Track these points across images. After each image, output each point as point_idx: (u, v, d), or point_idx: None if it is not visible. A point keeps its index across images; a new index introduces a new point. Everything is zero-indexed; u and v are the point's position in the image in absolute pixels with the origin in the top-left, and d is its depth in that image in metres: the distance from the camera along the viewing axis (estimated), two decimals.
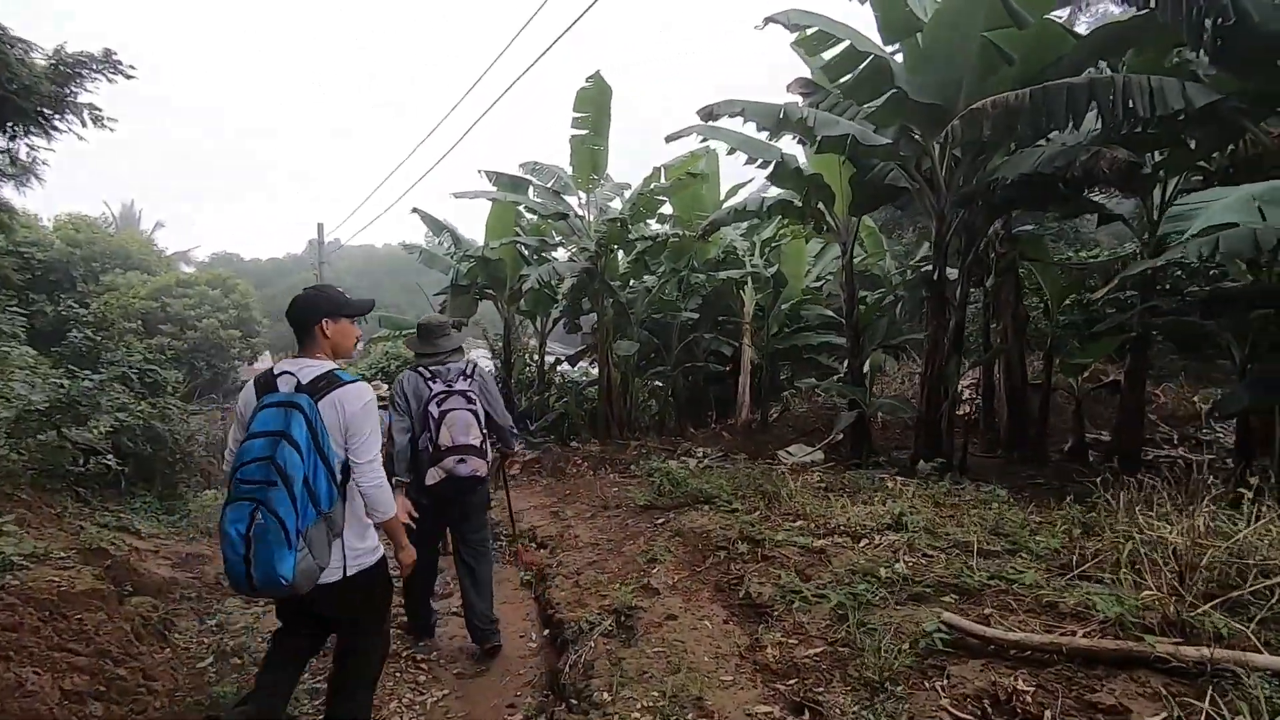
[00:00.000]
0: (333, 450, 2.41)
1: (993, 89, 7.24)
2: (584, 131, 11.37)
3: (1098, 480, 4.19)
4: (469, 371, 4.15)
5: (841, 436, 11.06)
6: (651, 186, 11.77)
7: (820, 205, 10.17)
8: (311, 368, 2.50)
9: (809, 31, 6.93)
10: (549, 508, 7.32)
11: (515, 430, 4.76)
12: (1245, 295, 5.54)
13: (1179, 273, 11.12)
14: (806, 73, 9.47)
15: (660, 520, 5.89)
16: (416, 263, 16.02)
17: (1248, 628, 2.52)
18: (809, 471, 8.07)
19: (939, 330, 8.47)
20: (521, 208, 13.08)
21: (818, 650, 3.12)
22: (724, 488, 6.36)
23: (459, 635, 4.50)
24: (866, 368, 9.94)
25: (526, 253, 13.61)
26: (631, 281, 13.86)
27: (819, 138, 7.84)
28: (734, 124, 8.40)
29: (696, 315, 13.48)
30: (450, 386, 4.01)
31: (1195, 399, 13.89)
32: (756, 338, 13.41)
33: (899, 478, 7.01)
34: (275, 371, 2.50)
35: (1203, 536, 3.09)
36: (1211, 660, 2.32)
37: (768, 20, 6.73)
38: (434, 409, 3.96)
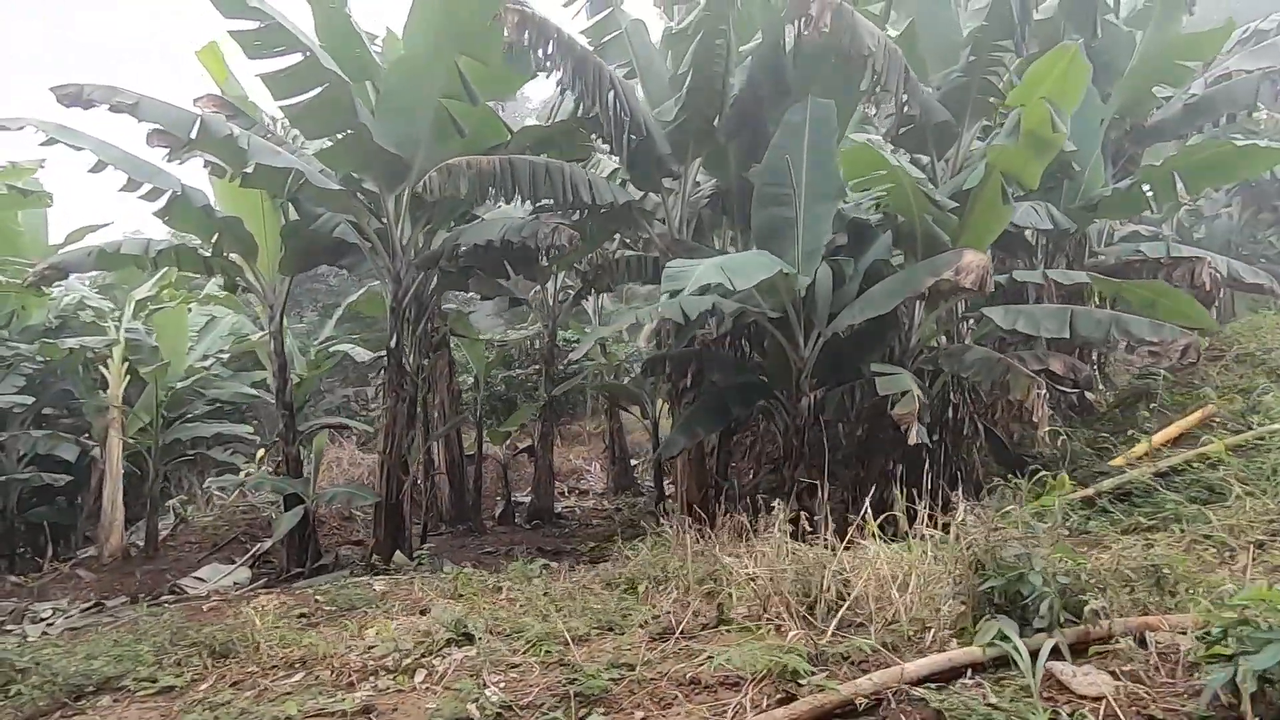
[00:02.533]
0: None
1: (447, 155, 7.21)
2: None
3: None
4: None
5: (271, 544, 8.92)
6: None
7: (236, 258, 8.22)
8: None
9: (254, 27, 5.44)
10: None
11: None
12: (670, 358, 6.81)
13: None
14: (213, 88, 7.63)
15: None
16: None
17: (870, 640, 2.66)
18: (253, 596, 6.00)
19: (398, 403, 7.73)
20: None
21: None
22: (137, 655, 3.99)
23: None
24: (310, 454, 8.31)
25: None
26: None
27: (250, 167, 6.26)
28: (110, 125, 5.96)
29: (29, 401, 9.09)
30: None
31: (571, 456, 17.02)
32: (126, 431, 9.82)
33: (386, 577, 5.85)
34: None
35: (774, 565, 3.29)
36: (901, 685, 2.29)
37: None
38: None
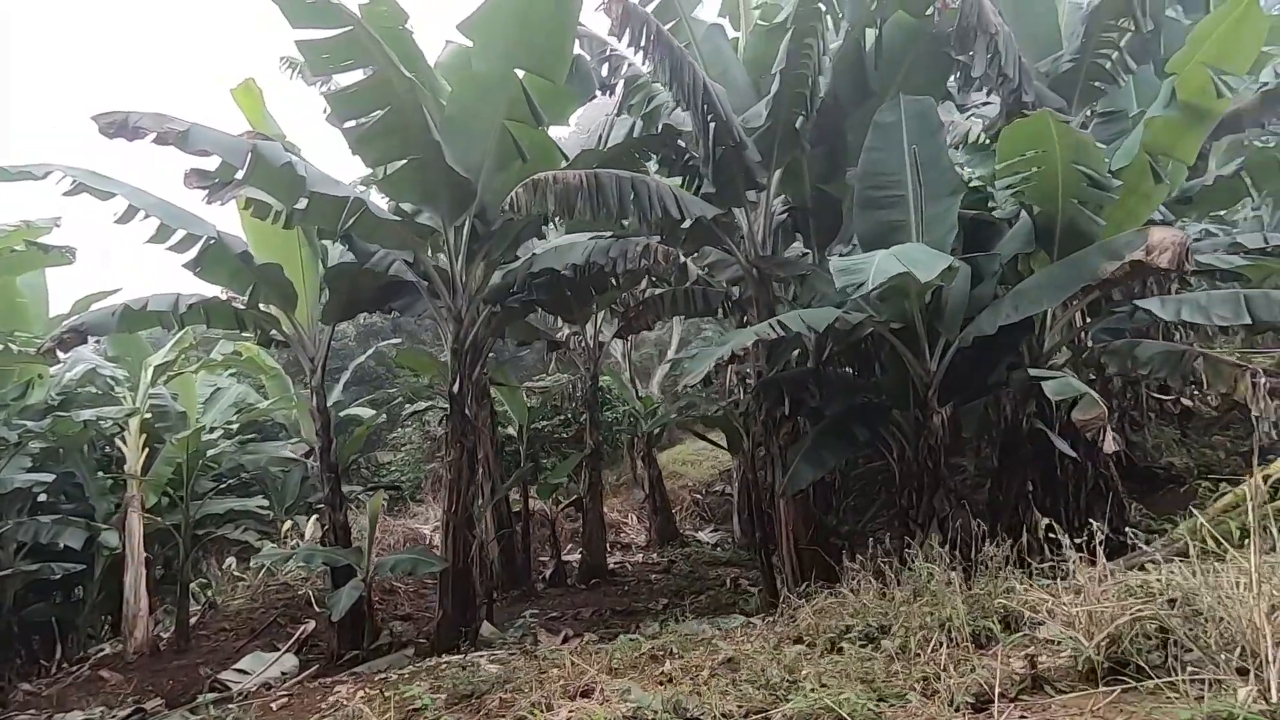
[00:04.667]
0: None
1: (507, 181, 6.70)
2: None
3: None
4: None
5: (315, 625, 7.98)
6: None
7: (273, 309, 7.56)
8: None
9: (327, 35, 4.91)
10: None
11: None
12: (783, 381, 6.17)
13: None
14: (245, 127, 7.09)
15: None
16: None
17: None
18: (327, 688, 5.11)
19: (462, 455, 6.98)
20: None
21: None
22: None
23: None
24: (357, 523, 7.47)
25: None
26: None
27: (303, 201, 5.67)
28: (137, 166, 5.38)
29: (49, 479, 8.23)
30: None
31: (604, 509, 16.06)
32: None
33: (485, 653, 5.01)
34: None
35: (1094, 600, 2.59)
36: None
37: None
38: None
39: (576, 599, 9.46)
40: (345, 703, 4.62)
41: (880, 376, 6.11)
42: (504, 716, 3.39)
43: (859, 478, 9.16)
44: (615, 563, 11.79)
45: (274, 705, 4.89)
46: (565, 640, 5.62)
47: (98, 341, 10.55)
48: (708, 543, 13.82)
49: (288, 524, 11.37)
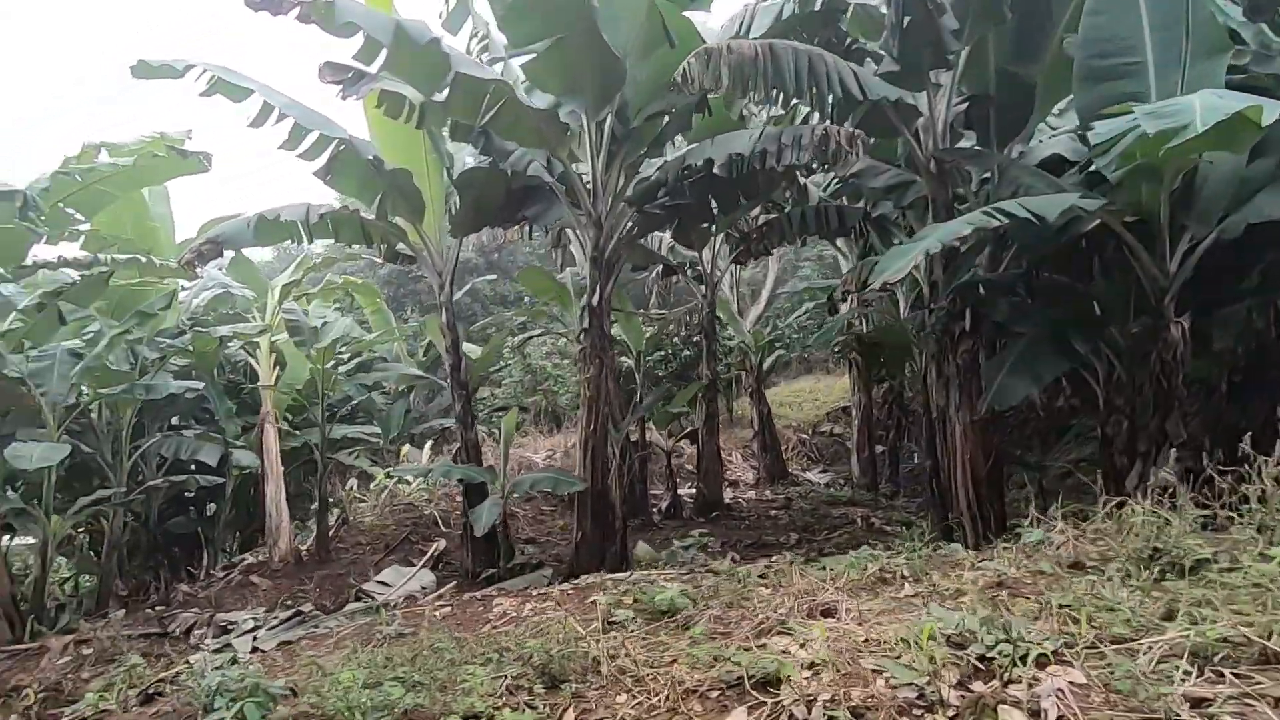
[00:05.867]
0: None
1: (651, 71, 6.07)
2: None
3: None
4: None
5: (443, 545, 7.94)
6: (89, 168, 6.70)
7: (400, 221, 7.27)
8: None
9: None
10: None
11: None
12: (985, 284, 5.42)
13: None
14: None
15: None
16: None
17: None
18: (487, 601, 4.89)
19: (601, 373, 6.58)
20: None
21: None
22: (454, 679, 2.86)
23: None
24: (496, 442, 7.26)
25: None
26: (27, 344, 7.76)
27: (445, 88, 5.18)
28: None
29: (199, 386, 8.45)
30: None
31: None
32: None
33: (658, 573, 4.65)
34: None
35: None
36: None
37: None
38: None
39: (698, 531, 9.10)
40: (514, 613, 4.38)
41: (1101, 281, 5.23)
42: (730, 635, 2.96)
43: (1018, 411, 8.30)
44: (729, 498, 11.39)
45: (438, 614, 4.69)
46: (734, 564, 5.21)
47: (220, 269, 10.78)
48: (819, 483, 13.26)
49: (405, 449, 11.51)
